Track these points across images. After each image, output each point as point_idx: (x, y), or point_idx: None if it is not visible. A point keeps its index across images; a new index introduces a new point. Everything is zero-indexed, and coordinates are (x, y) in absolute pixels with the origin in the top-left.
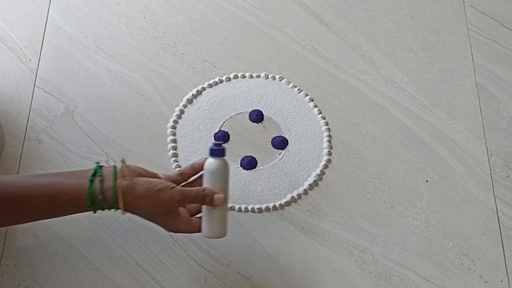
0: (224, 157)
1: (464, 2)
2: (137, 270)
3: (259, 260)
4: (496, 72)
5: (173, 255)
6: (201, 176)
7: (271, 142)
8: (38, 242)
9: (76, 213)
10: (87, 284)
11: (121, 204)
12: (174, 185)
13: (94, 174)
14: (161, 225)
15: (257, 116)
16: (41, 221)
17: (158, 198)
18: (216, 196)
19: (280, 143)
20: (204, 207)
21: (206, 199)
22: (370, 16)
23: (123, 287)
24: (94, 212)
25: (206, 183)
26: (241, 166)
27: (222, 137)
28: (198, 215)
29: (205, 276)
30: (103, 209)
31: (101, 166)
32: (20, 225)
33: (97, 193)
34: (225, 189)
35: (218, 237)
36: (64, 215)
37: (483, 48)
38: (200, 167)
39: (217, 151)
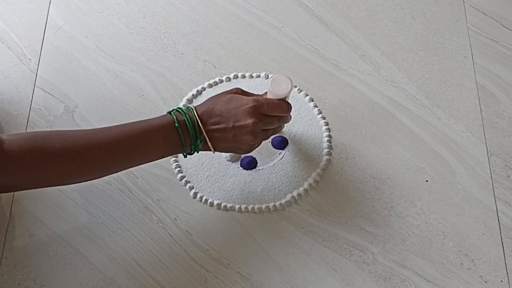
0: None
1: (464, 2)
2: (137, 270)
3: (259, 260)
4: (496, 72)
5: (173, 255)
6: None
7: (271, 142)
8: (38, 242)
9: (166, 147)
10: (87, 284)
11: (192, 110)
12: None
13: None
14: (243, 122)
15: None
16: (40, 221)
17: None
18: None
19: (280, 143)
20: None
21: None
22: (370, 16)
23: (123, 287)
24: (185, 144)
25: None
26: (241, 166)
27: None
28: None
29: (205, 276)
30: (191, 131)
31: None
32: (20, 225)
33: (179, 114)
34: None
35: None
36: (155, 154)
37: (483, 48)
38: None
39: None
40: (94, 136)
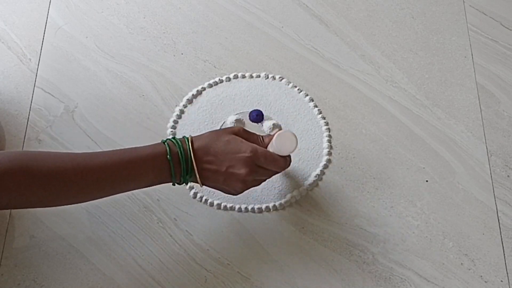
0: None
1: (464, 2)
2: (137, 270)
3: (259, 260)
4: (496, 72)
5: (173, 255)
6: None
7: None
8: (38, 242)
9: (155, 177)
10: (87, 284)
11: (187, 142)
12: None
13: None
14: (235, 163)
15: (257, 116)
16: (40, 221)
17: (224, 138)
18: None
19: None
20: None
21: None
22: (370, 16)
23: (123, 287)
24: (174, 176)
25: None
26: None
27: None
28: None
29: (205, 276)
30: (182, 164)
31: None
32: (20, 225)
33: (173, 145)
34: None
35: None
36: (144, 183)
37: (483, 48)
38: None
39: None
40: (82, 161)
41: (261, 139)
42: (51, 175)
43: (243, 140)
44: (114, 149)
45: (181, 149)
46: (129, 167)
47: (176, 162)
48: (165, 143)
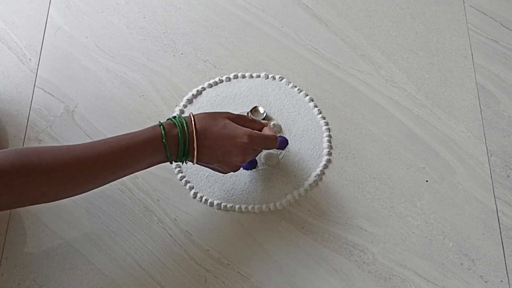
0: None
1: (464, 2)
2: (137, 270)
3: (259, 260)
4: (496, 72)
5: (173, 255)
6: None
7: None
8: (38, 242)
9: (152, 160)
10: (87, 284)
11: (190, 124)
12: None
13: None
14: (230, 141)
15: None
16: (40, 221)
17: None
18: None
19: (280, 143)
20: None
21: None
22: (370, 16)
23: (123, 287)
24: (170, 157)
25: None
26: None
27: None
28: None
29: (205, 276)
30: (178, 145)
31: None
32: (20, 225)
33: (172, 126)
34: None
35: None
36: (142, 165)
37: (483, 48)
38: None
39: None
40: (81, 153)
41: (252, 119)
42: (52, 169)
43: (238, 126)
44: (111, 136)
45: (183, 131)
46: (128, 153)
47: (174, 144)
48: (161, 126)
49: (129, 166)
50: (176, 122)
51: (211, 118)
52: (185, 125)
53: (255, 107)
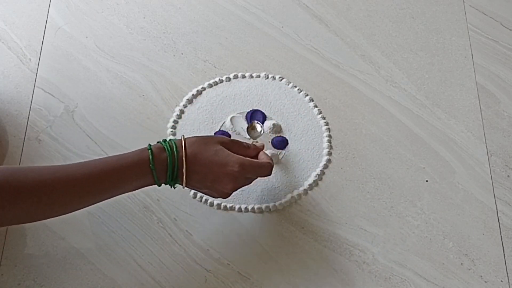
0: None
1: (464, 2)
2: (137, 270)
3: (259, 260)
4: (496, 72)
5: (173, 255)
6: None
7: (271, 142)
8: (38, 242)
9: (139, 183)
10: (87, 284)
11: (181, 149)
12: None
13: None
14: (220, 170)
15: (281, 142)
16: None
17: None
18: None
19: (280, 143)
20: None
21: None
22: (370, 16)
23: (123, 287)
24: (158, 181)
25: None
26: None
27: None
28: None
29: (205, 276)
30: (167, 171)
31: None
32: (20, 225)
33: (161, 150)
34: None
35: None
36: (128, 189)
37: (483, 48)
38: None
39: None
40: (64, 174)
41: (246, 145)
42: (35, 189)
43: (230, 153)
44: (99, 157)
45: (172, 156)
46: (113, 176)
47: (162, 169)
48: (150, 150)
49: (114, 189)
50: (165, 146)
51: (202, 142)
52: (174, 149)
53: (252, 123)
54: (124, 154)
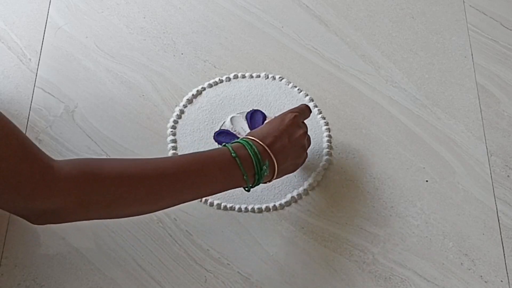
0: None
1: (464, 2)
2: (137, 270)
3: (259, 260)
4: (496, 72)
5: (173, 255)
6: None
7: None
8: (38, 242)
9: (225, 180)
10: (87, 284)
11: (254, 141)
12: None
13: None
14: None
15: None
16: None
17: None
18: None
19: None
20: None
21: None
22: (370, 16)
23: (123, 287)
24: (245, 172)
25: None
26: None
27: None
28: None
29: (205, 276)
30: (253, 163)
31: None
32: (20, 225)
33: (234, 145)
34: None
35: None
36: (214, 187)
37: (483, 48)
38: None
39: None
40: (149, 166)
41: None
42: (120, 178)
43: (275, 116)
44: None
45: (249, 144)
46: (195, 166)
47: (245, 159)
48: (226, 145)
49: (199, 183)
50: (241, 142)
51: (259, 128)
52: (250, 142)
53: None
54: (205, 151)
